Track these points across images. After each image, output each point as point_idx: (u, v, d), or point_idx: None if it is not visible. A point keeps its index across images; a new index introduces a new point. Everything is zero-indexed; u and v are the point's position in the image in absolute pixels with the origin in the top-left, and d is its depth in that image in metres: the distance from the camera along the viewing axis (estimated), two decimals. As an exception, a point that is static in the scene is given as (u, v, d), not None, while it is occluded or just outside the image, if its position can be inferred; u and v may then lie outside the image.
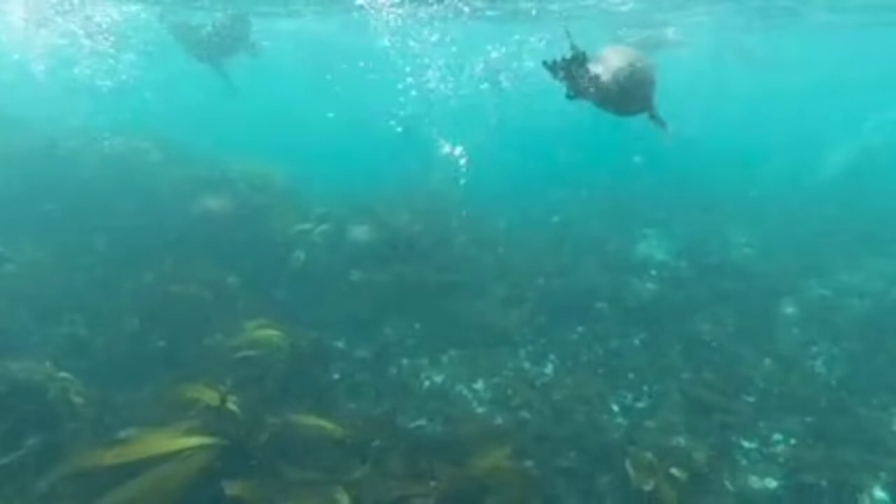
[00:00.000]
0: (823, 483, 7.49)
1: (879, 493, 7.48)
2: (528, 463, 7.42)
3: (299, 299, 10.32)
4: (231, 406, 6.45)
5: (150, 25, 13.87)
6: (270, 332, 8.32)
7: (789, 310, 11.41)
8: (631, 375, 9.60)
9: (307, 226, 11.64)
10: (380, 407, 8.21)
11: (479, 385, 9.21)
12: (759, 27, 20.29)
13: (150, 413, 6.47)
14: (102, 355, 8.22)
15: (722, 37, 21.05)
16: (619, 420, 8.68)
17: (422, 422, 8.19)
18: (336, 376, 8.76)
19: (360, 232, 11.97)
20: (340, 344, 9.63)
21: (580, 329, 10.89)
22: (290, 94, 33.30)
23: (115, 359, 8.16)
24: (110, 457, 5.59)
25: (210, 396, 6.51)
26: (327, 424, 6.80)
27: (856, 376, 9.43)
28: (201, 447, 5.98)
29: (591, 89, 5.81)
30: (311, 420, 6.79)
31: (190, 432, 6.11)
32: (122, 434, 5.71)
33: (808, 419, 8.58)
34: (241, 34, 11.89)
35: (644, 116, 6.32)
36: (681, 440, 8.16)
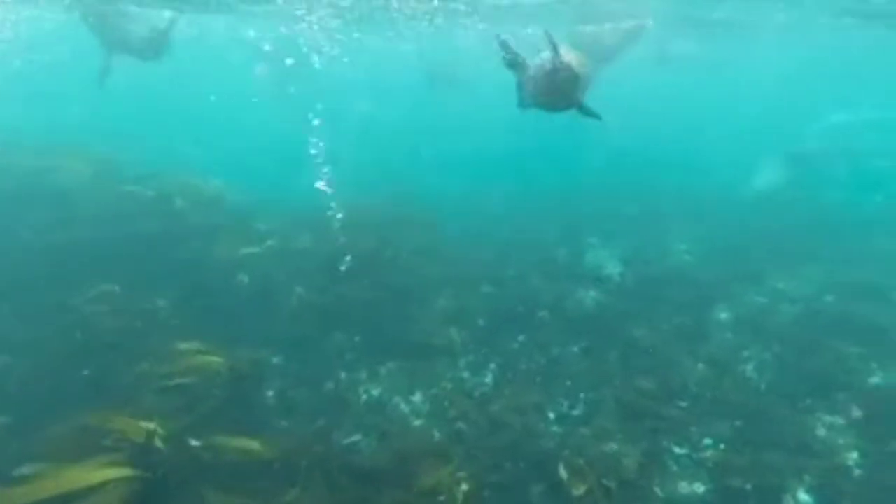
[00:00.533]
0: (749, 487, 7.69)
1: (803, 497, 7.70)
2: (462, 475, 7.45)
3: (239, 318, 10.10)
4: (157, 436, 6.28)
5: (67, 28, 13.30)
6: (204, 355, 8.18)
7: (724, 315, 11.68)
8: (568, 383, 9.69)
9: (251, 248, 11.39)
10: (314, 424, 8.11)
11: (416, 397, 9.19)
12: (705, 32, 20.80)
13: (71, 446, 6.27)
14: (24, 386, 7.92)
15: (664, 39, 21.44)
16: (555, 428, 8.75)
17: (357, 437, 8.13)
18: (270, 393, 8.63)
19: (303, 248, 11.85)
20: (277, 360, 9.48)
21: (521, 338, 10.95)
22: (224, 96, 32.72)
23: (40, 389, 7.87)
24: (22, 493, 5.41)
25: (134, 428, 6.32)
26: (255, 446, 6.69)
27: (784, 380, 9.70)
28: (122, 479, 5.83)
29: (554, 77, 6.00)
30: (239, 442, 6.67)
31: (111, 464, 5.95)
32: (32, 469, 5.52)
33: (738, 423, 8.78)
34: (163, 42, 11.62)
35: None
36: (613, 446, 8.28)
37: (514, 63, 6.74)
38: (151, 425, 6.31)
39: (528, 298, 12.11)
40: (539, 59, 6.45)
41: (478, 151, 23.44)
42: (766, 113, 32.66)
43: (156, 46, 11.39)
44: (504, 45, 6.70)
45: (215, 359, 8.19)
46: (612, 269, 13.66)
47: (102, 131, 16.45)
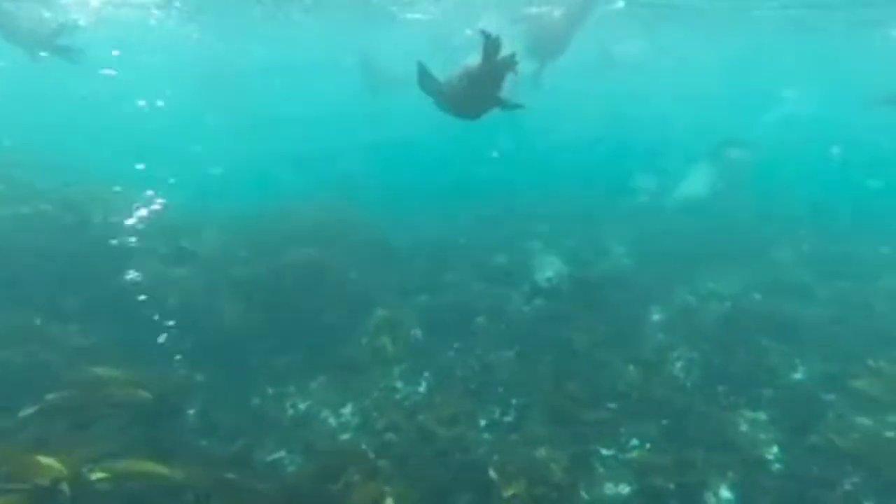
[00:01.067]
0: (672, 486, 7.79)
1: (725, 493, 7.85)
2: (389, 489, 7.36)
3: (163, 340, 9.67)
4: (61, 471, 5.97)
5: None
6: (121, 380, 7.85)
7: (656, 316, 11.88)
8: (501, 389, 9.70)
9: (176, 266, 10.96)
10: (235, 443, 7.89)
11: (346, 410, 9.07)
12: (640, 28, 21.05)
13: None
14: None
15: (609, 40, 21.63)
16: (486, 436, 8.74)
17: (280, 454, 7.96)
18: (192, 412, 8.38)
19: (232, 259, 11.55)
20: (202, 379, 9.19)
21: (457, 345, 10.93)
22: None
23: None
24: None
25: (37, 466, 6.00)
26: (164, 471, 6.44)
27: (711, 378, 9.86)
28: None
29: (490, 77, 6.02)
30: (147, 468, 6.40)
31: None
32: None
33: (664, 422, 8.91)
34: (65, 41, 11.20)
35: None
36: (543, 452, 8.28)
37: (430, 89, 6.85)
38: (55, 462, 6.01)
39: (466, 304, 12.09)
40: (462, 69, 6.53)
41: (413, 153, 23.23)
42: (704, 112, 33.21)
43: (47, 44, 10.91)
44: (422, 73, 6.80)
45: (134, 384, 7.85)
46: (552, 272, 13.75)
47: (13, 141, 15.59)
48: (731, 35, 22.86)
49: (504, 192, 18.54)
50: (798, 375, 10.08)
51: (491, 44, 5.75)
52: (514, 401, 9.44)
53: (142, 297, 9.88)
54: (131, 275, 10.17)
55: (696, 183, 19.25)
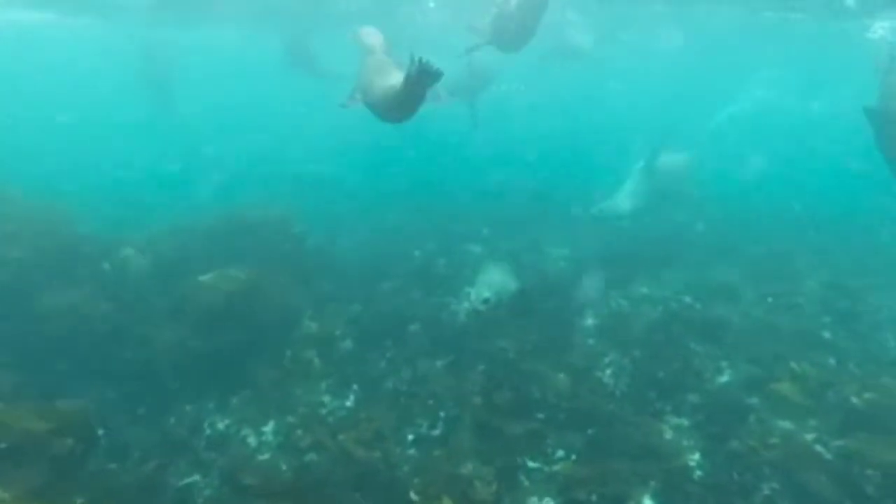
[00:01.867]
0: (594, 498, 7.78)
1: (647, 503, 7.88)
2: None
3: (77, 365, 9.18)
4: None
5: None
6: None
7: (590, 322, 11.91)
8: (430, 401, 9.55)
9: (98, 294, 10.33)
10: (146, 466, 7.56)
11: (268, 428, 8.80)
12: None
13: None
14: None
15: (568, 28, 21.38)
16: (411, 452, 8.59)
17: (194, 478, 7.66)
18: (101, 432, 7.97)
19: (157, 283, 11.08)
20: (114, 397, 8.80)
21: (389, 355, 10.76)
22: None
23: None
24: None
25: None
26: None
27: (638, 385, 9.89)
28: None
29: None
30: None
31: None
32: None
33: (591, 432, 8.91)
34: None
35: None
36: (469, 466, 8.19)
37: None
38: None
39: (401, 313, 11.90)
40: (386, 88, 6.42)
41: (350, 155, 22.89)
42: (658, 109, 33.32)
43: None
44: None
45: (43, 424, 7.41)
46: (490, 280, 13.60)
47: None
48: (694, 22, 22.64)
49: (445, 196, 18.43)
50: (724, 379, 10.20)
51: (417, 70, 5.56)
52: (442, 413, 9.31)
53: (55, 323, 9.29)
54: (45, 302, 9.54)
55: (636, 187, 19.31)
